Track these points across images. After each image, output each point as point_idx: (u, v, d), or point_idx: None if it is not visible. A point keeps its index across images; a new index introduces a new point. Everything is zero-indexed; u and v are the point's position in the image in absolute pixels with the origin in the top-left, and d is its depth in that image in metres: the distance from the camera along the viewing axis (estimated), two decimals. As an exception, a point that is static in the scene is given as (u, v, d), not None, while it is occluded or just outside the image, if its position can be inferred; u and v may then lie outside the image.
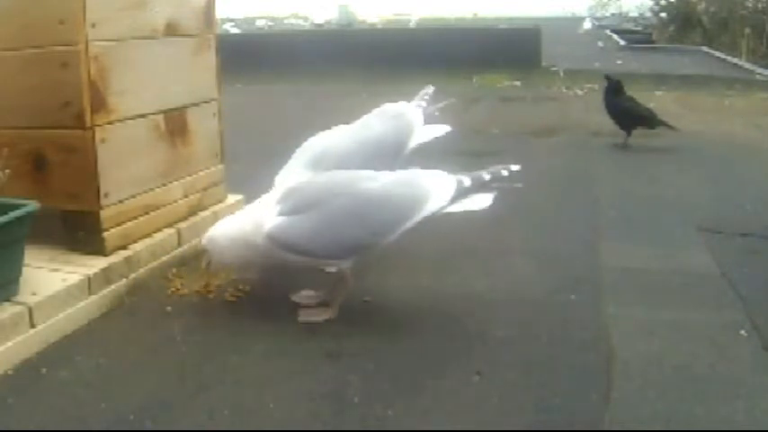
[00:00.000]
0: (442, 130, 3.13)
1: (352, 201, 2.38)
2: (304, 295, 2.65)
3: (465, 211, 2.36)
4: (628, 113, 5.16)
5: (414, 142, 3.05)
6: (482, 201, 2.37)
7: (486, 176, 2.36)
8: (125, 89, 2.74)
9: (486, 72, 9.29)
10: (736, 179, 4.41)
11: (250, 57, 9.58)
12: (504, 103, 7.53)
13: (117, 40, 2.70)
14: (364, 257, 2.48)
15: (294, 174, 2.79)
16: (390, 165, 2.84)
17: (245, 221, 2.49)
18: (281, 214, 2.38)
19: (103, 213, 2.68)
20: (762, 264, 3.00)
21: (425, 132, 3.08)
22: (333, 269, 2.53)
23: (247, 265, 2.63)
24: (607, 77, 5.32)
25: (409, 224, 2.34)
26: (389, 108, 3.16)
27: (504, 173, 2.37)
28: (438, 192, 2.34)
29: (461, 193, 2.34)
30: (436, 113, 3.23)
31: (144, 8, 2.84)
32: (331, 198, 2.40)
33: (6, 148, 2.50)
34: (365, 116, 3.15)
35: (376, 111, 3.17)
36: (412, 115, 3.09)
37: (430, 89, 3.27)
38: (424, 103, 3.17)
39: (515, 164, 2.42)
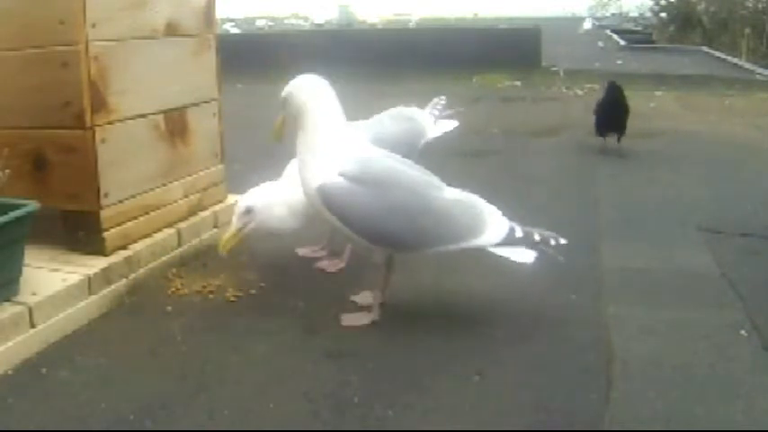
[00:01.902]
0: (450, 125, 3.20)
1: (414, 199, 2.36)
2: (364, 296, 2.63)
3: (505, 258, 2.40)
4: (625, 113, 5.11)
5: (423, 143, 3.11)
6: (525, 256, 2.41)
7: (537, 237, 2.40)
8: (125, 89, 2.74)
9: (486, 72, 9.29)
10: (735, 179, 4.41)
11: (250, 57, 9.58)
12: (505, 103, 7.53)
13: (117, 40, 2.70)
14: (393, 255, 2.48)
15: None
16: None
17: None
18: (342, 174, 2.34)
19: (103, 213, 2.69)
20: (762, 264, 3.00)
21: (436, 128, 3.14)
22: (371, 254, 2.49)
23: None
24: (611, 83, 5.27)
25: (456, 247, 2.37)
26: (403, 110, 3.20)
27: (553, 242, 2.40)
28: (493, 231, 2.38)
29: (509, 241, 2.38)
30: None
31: (144, 8, 2.84)
32: (396, 185, 2.38)
33: (6, 148, 2.50)
34: (378, 115, 3.17)
35: (391, 111, 3.21)
36: (424, 120, 3.15)
37: (443, 99, 3.30)
38: (436, 112, 3.21)
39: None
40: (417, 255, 2.45)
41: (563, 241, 2.42)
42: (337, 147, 2.39)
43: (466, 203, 2.43)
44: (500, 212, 2.44)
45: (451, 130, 3.25)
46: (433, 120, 3.16)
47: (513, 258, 2.40)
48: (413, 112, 3.20)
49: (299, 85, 2.43)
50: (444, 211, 2.37)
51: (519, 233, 2.39)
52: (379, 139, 2.92)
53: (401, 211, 2.34)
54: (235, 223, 2.61)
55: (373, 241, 2.39)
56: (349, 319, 2.49)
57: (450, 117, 3.27)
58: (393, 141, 2.96)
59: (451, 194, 2.44)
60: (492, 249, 2.39)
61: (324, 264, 2.99)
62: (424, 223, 2.34)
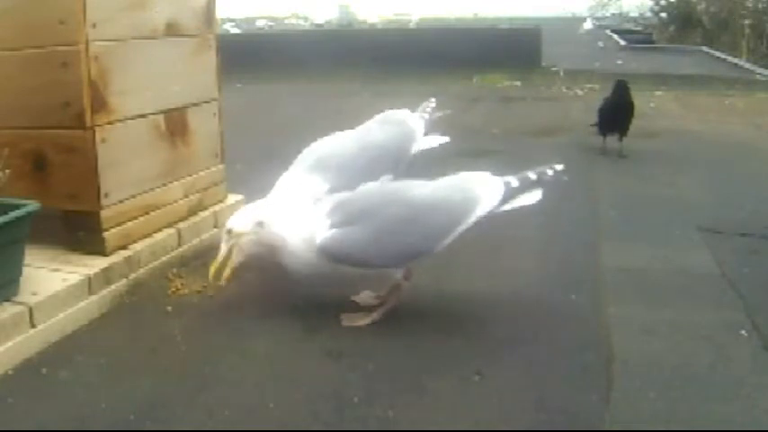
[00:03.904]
0: (441, 140, 3.15)
1: (405, 208, 2.39)
2: (364, 296, 2.64)
3: (518, 207, 2.43)
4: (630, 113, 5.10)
5: (415, 149, 3.07)
6: (532, 198, 2.43)
7: (533, 176, 2.43)
8: (125, 89, 2.74)
9: (486, 72, 9.30)
10: (735, 179, 4.41)
11: (250, 57, 9.58)
12: (505, 103, 7.53)
13: (117, 40, 2.70)
14: (417, 263, 2.50)
15: (297, 177, 2.76)
16: (392, 170, 2.85)
17: (291, 229, 2.44)
18: (332, 227, 2.36)
19: (104, 213, 2.69)
20: (762, 264, 3.00)
21: (426, 141, 3.10)
22: (387, 278, 2.51)
23: (275, 271, 2.60)
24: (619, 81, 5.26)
25: (462, 227, 2.38)
26: (392, 115, 3.16)
27: (550, 172, 2.44)
28: (488, 195, 2.40)
29: (510, 195, 2.41)
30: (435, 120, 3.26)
31: (144, 8, 2.84)
32: (383, 207, 2.40)
33: (7, 148, 2.50)
34: (367, 122, 3.14)
35: (379, 117, 3.17)
36: (414, 123, 3.10)
37: (432, 102, 3.28)
38: (426, 115, 3.18)
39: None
40: (436, 252, 2.44)
41: (558, 167, 2.45)
42: (308, 219, 2.42)
43: (452, 185, 2.45)
44: (489, 174, 2.46)
45: (449, 139, 3.22)
46: (422, 123, 3.13)
47: (523, 204, 2.41)
48: (402, 115, 3.15)
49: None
50: (436, 200, 2.40)
51: (515, 183, 2.41)
52: (366, 147, 2.91)
53: (400, 222, 2.36)
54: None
55: (394, 263, 2.42)
56: (349, 319, 2.49)
57: (440, 119, 3.23)
58: (381, 147, 2.94)
59: (435, 184, 2.46)
60: (501, 209, 2.41)
61: None
62: (425, 220, 2.37)
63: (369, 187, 2.52)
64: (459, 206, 2.39)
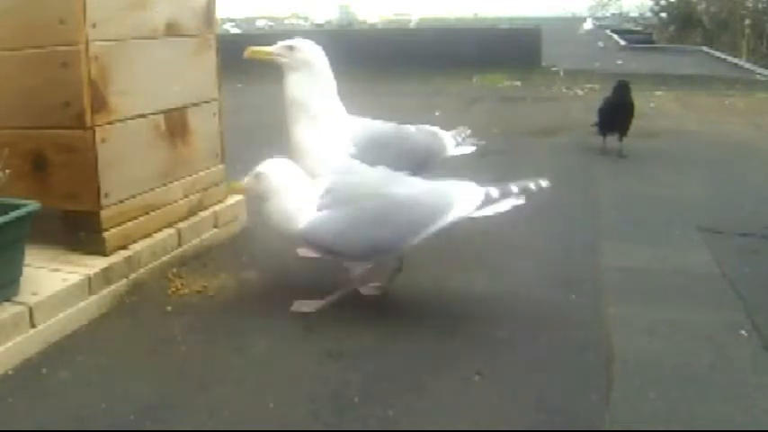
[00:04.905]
0: (470, 149, 3.24)
1: (379, 203, 2.44)
2: (369, 287, 2.70)
3: (493, 213, 2.43)
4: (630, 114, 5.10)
5: (444, 155, 3.14)
6: (510, 203, 2.42)
7: (515, 189, 2.41)
8: (125, 89, 2.74)
9: (486, 72, 9.30)
10: (735, 179, 4.41)
11: (250, 57, 9.56)
12: (505, 103, 7.53)
13: (117, 40, 2.70)
14: (385, 259, 2.55)
15: (330, 139, 2.80)
16: (418, 168, 2.88)
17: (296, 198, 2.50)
18: (319, 209, 2.44)
19: (104, 213, 2.69)
20: (762, 264, 3.00)
21: (456, 150, 3.19)
22: (356, 269, 2.55)
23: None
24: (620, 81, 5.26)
25: (432, 230, 2.39)
26: (428, 127, 3.23)
27: (532, 186, 2.41)
28: (464, 201, 2.41)
29: (488, 203, 2.41)
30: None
31: (144, 8, 2.84)
32: (360, 199, 2.46)
33: (6, 148, 2.50)
34: (406, 125, 3.20)
35: (417, 125, 3.23)
36: (446, 138, 3.17)
37: (468, 129, 3.33)
38: (459, 138, 3.23)
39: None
40: (404, 250, 2.49)
41: (544, 183, 2.42)
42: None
43: (430, 188, 2.49)
44: (473, 183, 2.47)
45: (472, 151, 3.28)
46: (454, 142, 3.19)
47: (498, 210, 2.41)
48: (437, 129, 3.22)
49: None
50: (410, 200, 2.43)
51: (495, 194, 2.40)
52: (401, 135, 2.97)
53: (373, 216, 2.41)
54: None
55: (363, 257, 2.48)
56: (299, 304, 2.57)
57: (470, 144, 3.29)
58: (414, 142, 3.00)
59: (415, 184, 2.52)
60: (475, 215, 2.41)
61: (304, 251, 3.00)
62: (396, 218, 2.40)
63: (366, 172, 2.59)
64: (431, 208, 2.41)
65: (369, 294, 2.67)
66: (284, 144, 2.92)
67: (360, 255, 2.47)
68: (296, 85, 2.78)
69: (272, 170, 2.52)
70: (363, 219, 2.41)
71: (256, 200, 2.66)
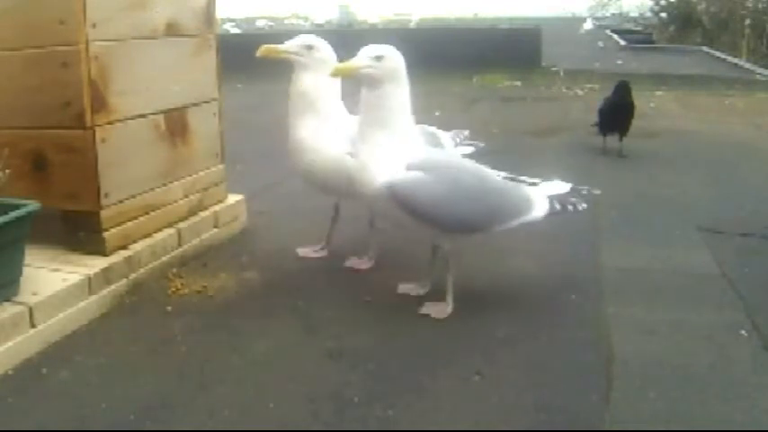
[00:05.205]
0: (468, 149, 3.27)
1: (476, 181, 2.50)
2: (409, 287, 2.71)
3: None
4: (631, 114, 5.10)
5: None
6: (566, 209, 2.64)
7: (570, 205, 2.63)
8: (125, 89, 2.74)
9: (486, 72, 9.29)
10: (735, 179, 4.41)
11: (250, 57, 9.56)
12: (504, 103, 7.53)
13: (117, 40, 2.70)
14: (466, 241, 2.58)
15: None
16: None
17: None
18: (409, 168, 2.38)
19: (104, 213, 2.68)
20: (762, 264, 3.00)
21: (455, 149, 3.21)
22: (438, 242, 2.55)
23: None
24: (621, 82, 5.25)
25: (513, 223, 2.53)
26: (427, 127, 3.23)
27: (585, 192, 2.71)
28: (540, 205, 2.59)
29: (553, 212, 2.60)
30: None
31: (144, 8, 2.84)
32: (462, 173, 2.48)
33: (7, 148, 2.50)
34: None
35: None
36: (445, 139, 3.19)
37: (466, 132, 3.37)
38: (458, 139, 3.27)
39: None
40: (485, 235, 2.55)
41: (597, 192, 2.74)
42: (404, 139, 2.43)
43: (516, 185, 2.62)
44: (540, 189, 2.64)
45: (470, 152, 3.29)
46: (453, 143, 3.22)
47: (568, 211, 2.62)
48: (435, 130, 3.23)
49: (396, 55, 2.44)
50: (505, 189, 2.56)
51: (557, 207, 2.60)
52: None
53: (475, 191, 2.46)
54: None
55: (453, 229, 2.46)
56: (428, 308, 2.55)
57: (469, 145, 3.31)
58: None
59: (503, 179, 2.62)
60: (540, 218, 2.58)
61: (354, 262, 2.99)
62: (494, 199, 2.50)
63: (443, 152, 2.61)
64: (518, 203, 2.54)
65: (405, 293, 2.68)
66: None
67: (454, 225, 2.44)
68: (309, 83, 2.79)
69: (396, 54, 2.43)
70: (462, 190, 2.43)
71: (372, 82, 2.40)
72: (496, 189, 2.54)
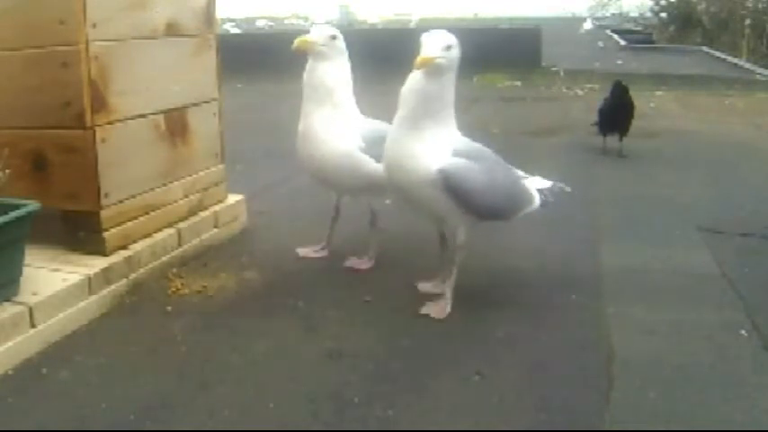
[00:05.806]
0: None
1: (504, 171, 2.62)
2: (429, 285, 2.72)
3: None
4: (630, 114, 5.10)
5: None
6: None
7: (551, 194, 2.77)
8: (125, 89, 2.74)
9: (486, 72, 9.29)
10: (735, 179, 4.41)
11: (250, 57, 9.58)
12: (505, 103, 7.54)
13: (117, 40, 2.70)
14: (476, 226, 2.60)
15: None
16: None
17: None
18: (456, 155, 2.40)
19: (104, 213, 2.69)
20: (762, 264, 3.00)
21: None
22: (455, 230, 2.55)
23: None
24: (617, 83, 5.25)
25: (521, 213, 2.65)
26: None
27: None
28: (537, 197, 2.70)
29: (545, 205, 2.73)
30: None
31: (144, 8, 2.84)
32: (494, 162, 2.57)
33: (6, 148, 2.50)
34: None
35: None
36: None
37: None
38: None
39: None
40: (507, 221, 2.67)
41: (567, 189, 2.84)
42: (450, 127, 2.46)
43: (523, 179, 2.73)
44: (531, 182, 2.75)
45: None
46: None
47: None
48: None
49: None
50: (520, 182, 2.68)
51: (550, 199, 2.74)
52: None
53: (506, 182, 2.58)
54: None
55: (482, 215, 2.52)
56: (427, 308, 2.55)
57: None
58: None
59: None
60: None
61: (354, 262, 2.99)
62: (515, 190, 2.63)
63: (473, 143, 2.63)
64: (527, 194, 2.67)
65: (426, 292, 2.68)
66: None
67: (489, 212, 2.52)
68: (328, 72, 2.79)
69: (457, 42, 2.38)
70: (499, 179, 2.53)
71: (439, 72, 2.34)
72: (517, 179, 2.67)
